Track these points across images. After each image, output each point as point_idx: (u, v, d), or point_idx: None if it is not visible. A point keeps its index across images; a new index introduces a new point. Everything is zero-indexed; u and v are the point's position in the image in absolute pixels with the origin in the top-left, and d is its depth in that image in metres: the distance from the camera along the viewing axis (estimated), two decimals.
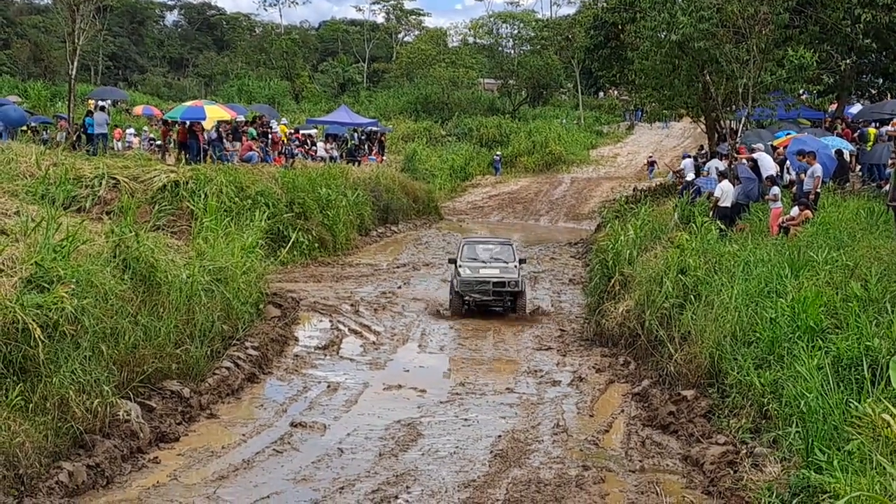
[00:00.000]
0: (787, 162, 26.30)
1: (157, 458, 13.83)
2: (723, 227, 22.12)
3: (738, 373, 14.42)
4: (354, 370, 19.68)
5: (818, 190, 22.42)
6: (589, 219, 48.29)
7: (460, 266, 25.22)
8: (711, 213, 23.84)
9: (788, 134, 30.61)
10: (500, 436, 15.45)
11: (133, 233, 16.50)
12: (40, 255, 13.63)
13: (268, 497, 12.49)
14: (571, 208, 53.21)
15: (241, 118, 40.64)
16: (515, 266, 25.43)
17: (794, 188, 23.81)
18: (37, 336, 12.22)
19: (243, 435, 15.18)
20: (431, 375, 19.55)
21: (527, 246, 40.54)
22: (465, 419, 16.62)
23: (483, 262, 25.59)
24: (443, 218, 49.99)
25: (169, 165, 31.10)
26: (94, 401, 13.21)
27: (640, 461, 14.28)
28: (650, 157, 60.89)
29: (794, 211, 20.87)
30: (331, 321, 23.73)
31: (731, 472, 12.49)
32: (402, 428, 15.74)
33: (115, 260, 15.82)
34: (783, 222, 20.78)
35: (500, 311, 25.47)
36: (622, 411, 17.09)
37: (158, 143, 38.84)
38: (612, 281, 23.19)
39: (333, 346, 21.48)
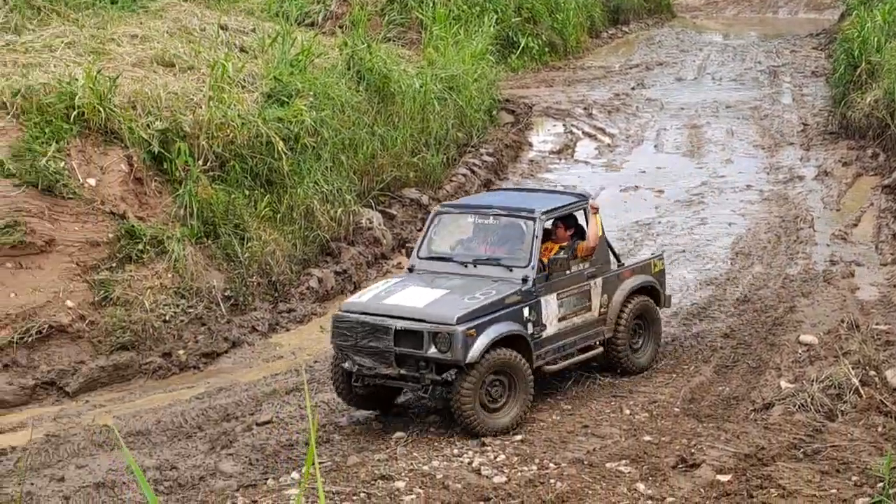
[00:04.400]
0: None
1: (399, 263, 14.23)
2: None
3: None
4: (590, 173, 19.56)
5: None
6: (831, 8, 45.53)
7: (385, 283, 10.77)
8: None
9: None
10: (741, 236, 15.14)
11: (365, 45, 16.66)
12: (278, 70, 13.98)
13: None
14: None
15: None
16: (529, 271, 10.08)
17: None
18: (279, 149, 12.63)
19: None
20: (668, 176, 19.22)
21: (765, 40, 38.83)
22: (702, 218, 16.34)
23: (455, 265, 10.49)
24: (675, 16, 48.16)
25: None
26: (337, 210, 13.67)
27: (892, 254, 13.77)
28: None
29: None
30: (564, 125, 23.50)
31: None
32: (640, 228, 15.66)
33: (350, 72, 16.08)
34: None
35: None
36: (871, 204, 16.42)
37: None
38: (859, 70, 21.95)
39: (568, 150, 21.35)
